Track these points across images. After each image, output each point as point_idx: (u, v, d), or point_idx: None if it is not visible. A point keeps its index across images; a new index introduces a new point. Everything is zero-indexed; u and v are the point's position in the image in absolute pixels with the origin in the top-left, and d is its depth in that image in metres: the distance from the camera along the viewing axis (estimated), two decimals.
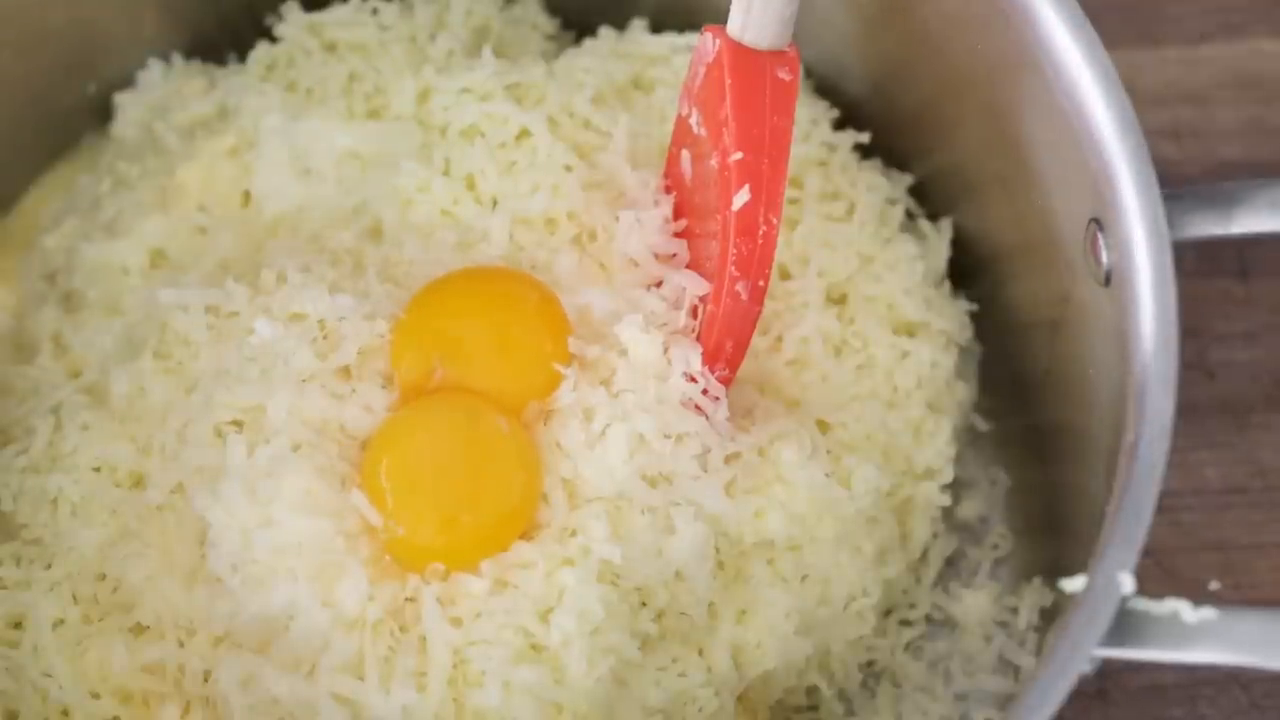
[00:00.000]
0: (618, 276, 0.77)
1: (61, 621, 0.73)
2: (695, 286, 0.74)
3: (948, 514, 0.84)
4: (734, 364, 0.74)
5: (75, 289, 0.81)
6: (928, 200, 0.86)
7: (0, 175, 0.87)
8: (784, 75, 0.72)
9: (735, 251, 0.71)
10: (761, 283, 0.72)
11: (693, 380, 0.73)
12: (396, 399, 0.73)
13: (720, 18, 0.72)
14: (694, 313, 0.75)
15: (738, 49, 0.72)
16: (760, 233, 0.71)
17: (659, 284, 0.76)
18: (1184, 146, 0.95)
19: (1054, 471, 0.82)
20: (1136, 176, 0.69)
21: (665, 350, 0.73)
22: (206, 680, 0.71)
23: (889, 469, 0.78)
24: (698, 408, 0.74)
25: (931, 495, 0.80)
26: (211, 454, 0.73)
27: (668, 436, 0.72)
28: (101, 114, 0.87)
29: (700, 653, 0.74)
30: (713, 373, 0.73)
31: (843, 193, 0.83)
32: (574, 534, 0.71)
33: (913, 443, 0.80)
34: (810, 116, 0.84)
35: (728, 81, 0.71)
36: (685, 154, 0.76)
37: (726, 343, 0.73)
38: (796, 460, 0.74)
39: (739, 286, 0.72)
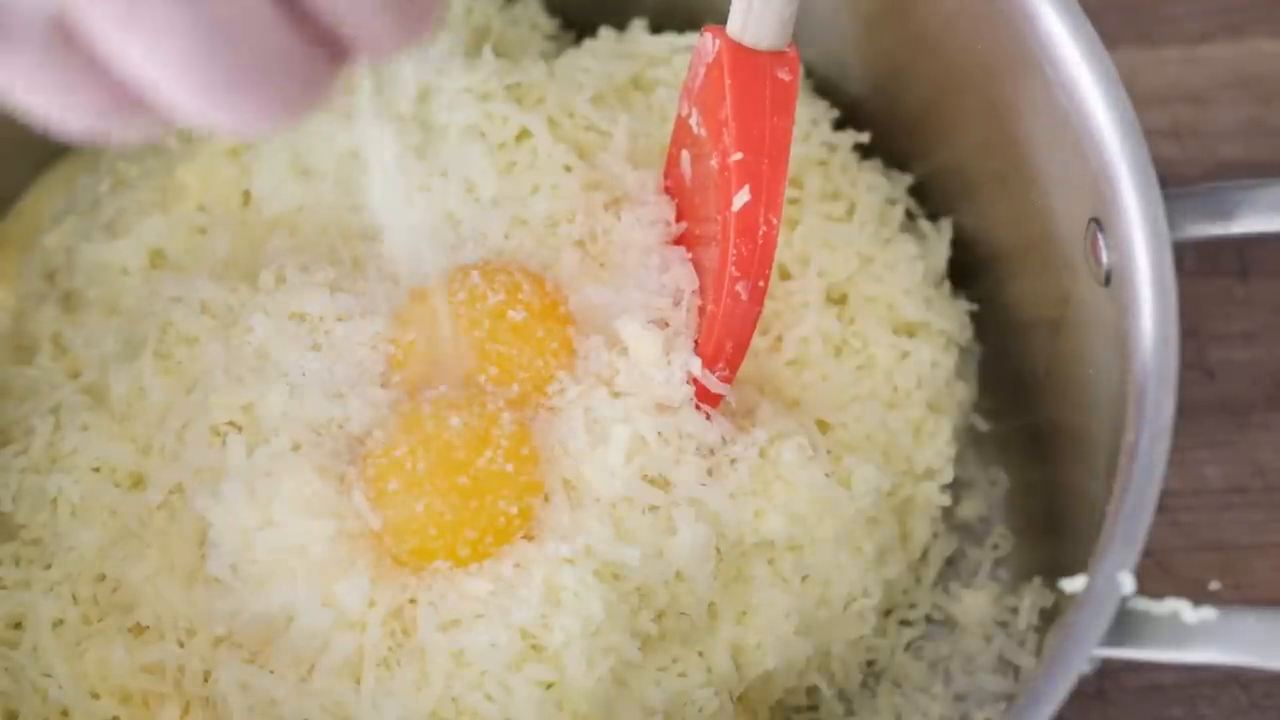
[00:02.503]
0: (618, 276, 0.77)
1: (61, 622, 0.73)
2: (693, 284, 0.75)
3: (948, 514, 0.84)
4: (734, 364, 0.74)
5: (75, 289, 0.81)
6: (928, 200, 0.86)
7: (0, 175, 0.87)
8: (784, 75, 0.72)
9: (735, 252, 0.71)
10: (761, 283, 0.72)
11: (693, 381, 0.73)
12: (396, 398, 0.73)
13: (720, 18, 0.72)
14: (696, 312, 0.75)
15: (738, 49, 0.72)
16: (760, 233, 0.71)
17: (660, 284, 0.76)
18: (1184, 146, 0.95)
19: (1054, 471, 0.82)
20: (1136, 176, 0.69)
21: (666, 351, 0.73)
22: (206, 681, 0.71)
23: (889, 469, 0.79)
24: (698, 408, 0.74)
25: (931, 495, 0.80)
26: (211, 454, 0.73)
27: (669, 437, 0.73)
28: None
29: (700, 653, 0.74)
30: (713, 373, 0.73)
31: (843, 193, 0.83)
32: (575, 534, 0.71)
33: (913, 443, 0.80)
34: (810, 116, 0.84)
35: (728, 82, 0.71)
36: (685, 154, 0.76)
37: (727, 343, 0.73)
38: (797, 460, 0.74)
39: (739, 287, 0.72)
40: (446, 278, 0.75)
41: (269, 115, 0.46)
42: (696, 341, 0.74)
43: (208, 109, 0.45)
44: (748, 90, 0.71)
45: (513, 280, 0.74)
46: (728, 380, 0.74)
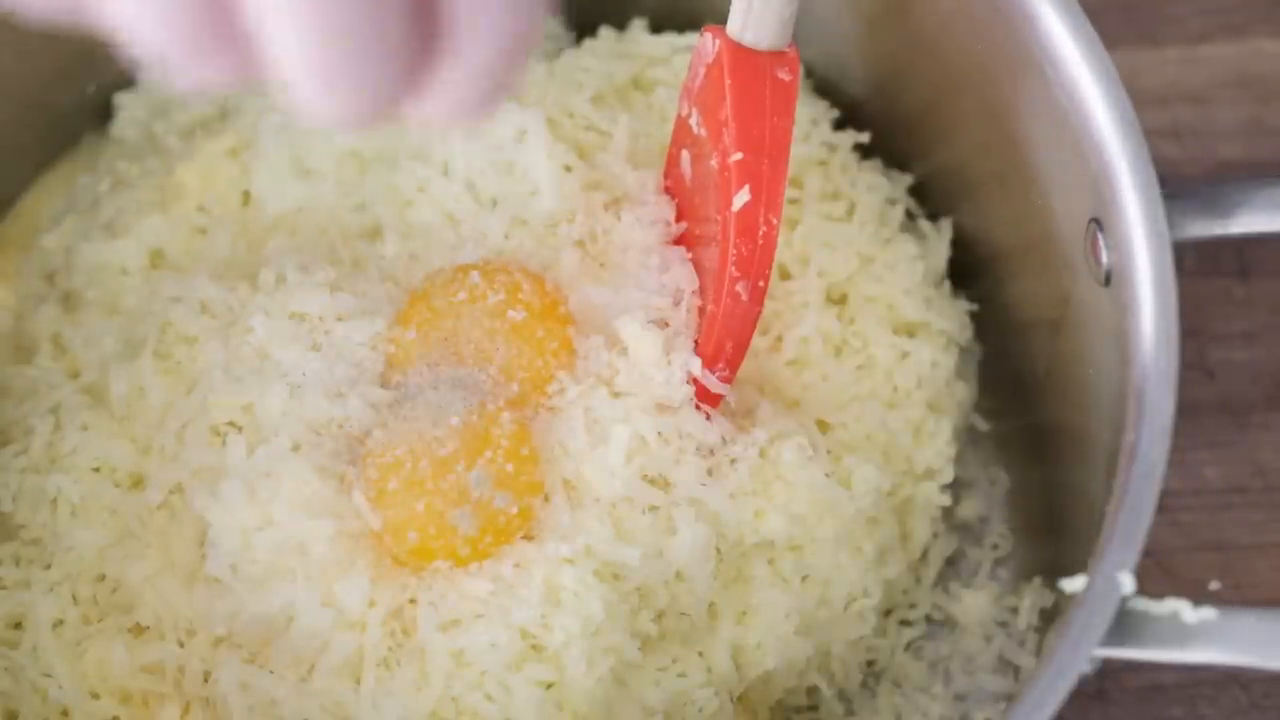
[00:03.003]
0: (618, 276, 0.77)
1: (61, 622, 0.73)
2: (693, 284, 0.75)
3: (948, 514, 0.84)
4: (734, 364, 0.74)
5: (75, 289, 0.81)
6: (928, 200, 0.86)
7: (0, 175, 0.87)
8: (784, 75, 0.72)
9: (735, 252, 0.71)
10: (761, 283, 0.72)
11: (693, 381, 0.73)
12: (397, 398, 0.73)
13: (720, 18, 0.72)
14: (696, 312, 0.75)
15: (737, 49, 0.72)
16: (760, 233, 0.71)
17: (659, 284, 0.76)
18: (1184, 146, 0.95)
19: (1054, 471, 0.82)
20: (1136, 176, 0.69)
21: (666, 351, 0.73)
22: (206, 681, 0.71)
23: (889, 469, 0.78)
24: (698, 408, 0.74)
25: (931, 495, 0.80)
26: (211, 454, 0.73)
27: (668, 437, 0.73)
28: (101, 114, 0.87)
29: (700, 653, 0.74)
30: (713, 373, 0.73)
31: (843, 193, 0.83)
32: (575, 534, 0.71)
33: (913, 443, 0.80)
34: (810, 116, 0.84)
35: (727, 82, 0.71)
36: (685, 154, 0.76)
37: (727, 343, 0.73)
38: (796, 460, 0.74)
39: (739, 287, 0.72)
40: (445, 278, 0.75)
41: (363, 100, 0.45)
42: (696, 341, 0.74)
43: (310, 72, 0.44)
44: (748, 90, 0.71)
45: (513, 280, 0.74)
46: (728, 380, 0.74)
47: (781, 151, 0.71)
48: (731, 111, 0.71)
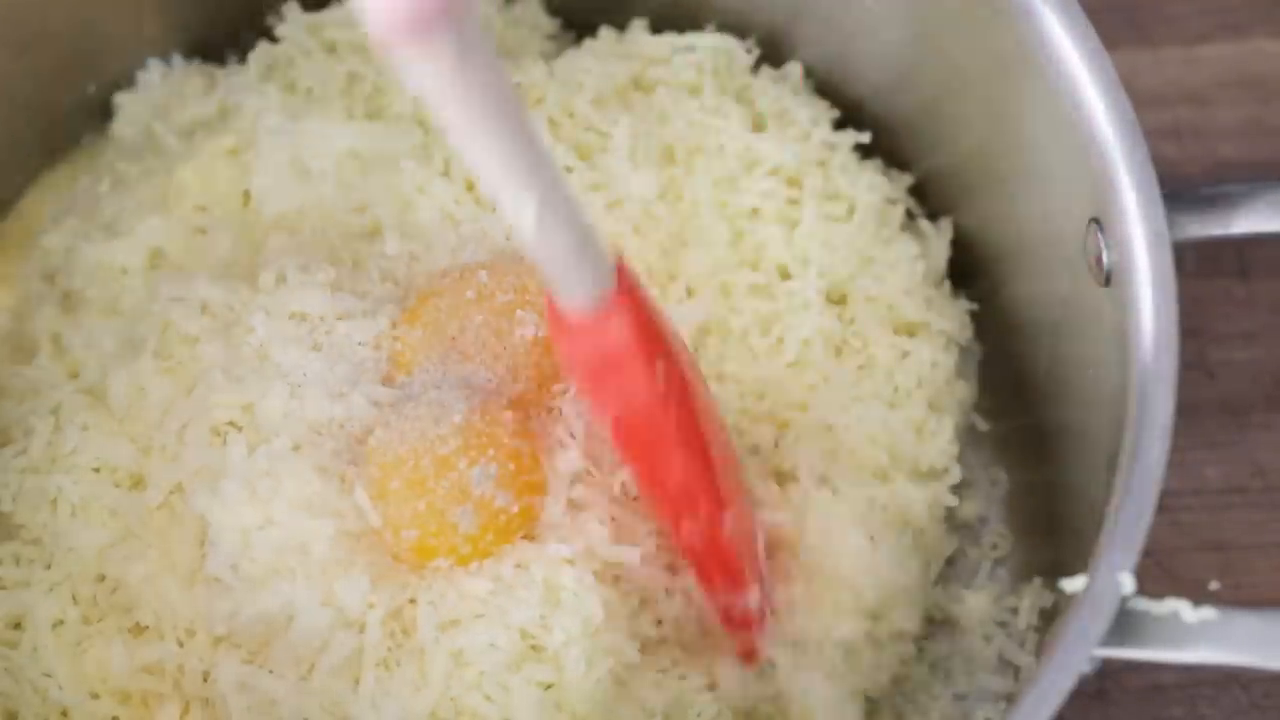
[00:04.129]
0: None
1: (61, 622, 0.73)
2: None
3: (948, 514, 0.84)
4: (752, 573, 0.72)
5: (74, 289, 0.81)
6: (928, 200, 0.86)
7: (0, 175, 0.87)
8: (614, 332, 0.63)
9: (681, 537, 0.69)
10: (732, 508, 0.69)
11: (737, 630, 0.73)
12: (398, 397, 0.73)
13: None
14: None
15: (561, 321, 0.64)
16: (702, 512, 0.69)
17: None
18: (1184, 146, 0.94)
19: (1054, 471, 0.81)
20: (1136, 176, 0.69)
21: None
22: (206, 681, 0.72)
23: (892, 468, 0.78)
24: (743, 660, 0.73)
25: (938, 495, 0.80)
26: (211, 454, 0.73)
27: None
28: (101, 114, 0.87)
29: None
30: (748, 591, 0.71)
31: (843, 193, 0.83)
32: (575, 535, 0.71)
33: (915, 441, 0.80)
34: (810, 116, 0.84)
35: (568, 364, 0.67)
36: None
37: (742, 558, 0.72)
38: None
39: (726, 515, 0.69)
40: (454, 277, 0.75)
41: None
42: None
43: None
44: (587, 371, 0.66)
45: (520, 281, 0.74)
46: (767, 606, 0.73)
47: (654, 414, 0.66)
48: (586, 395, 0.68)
